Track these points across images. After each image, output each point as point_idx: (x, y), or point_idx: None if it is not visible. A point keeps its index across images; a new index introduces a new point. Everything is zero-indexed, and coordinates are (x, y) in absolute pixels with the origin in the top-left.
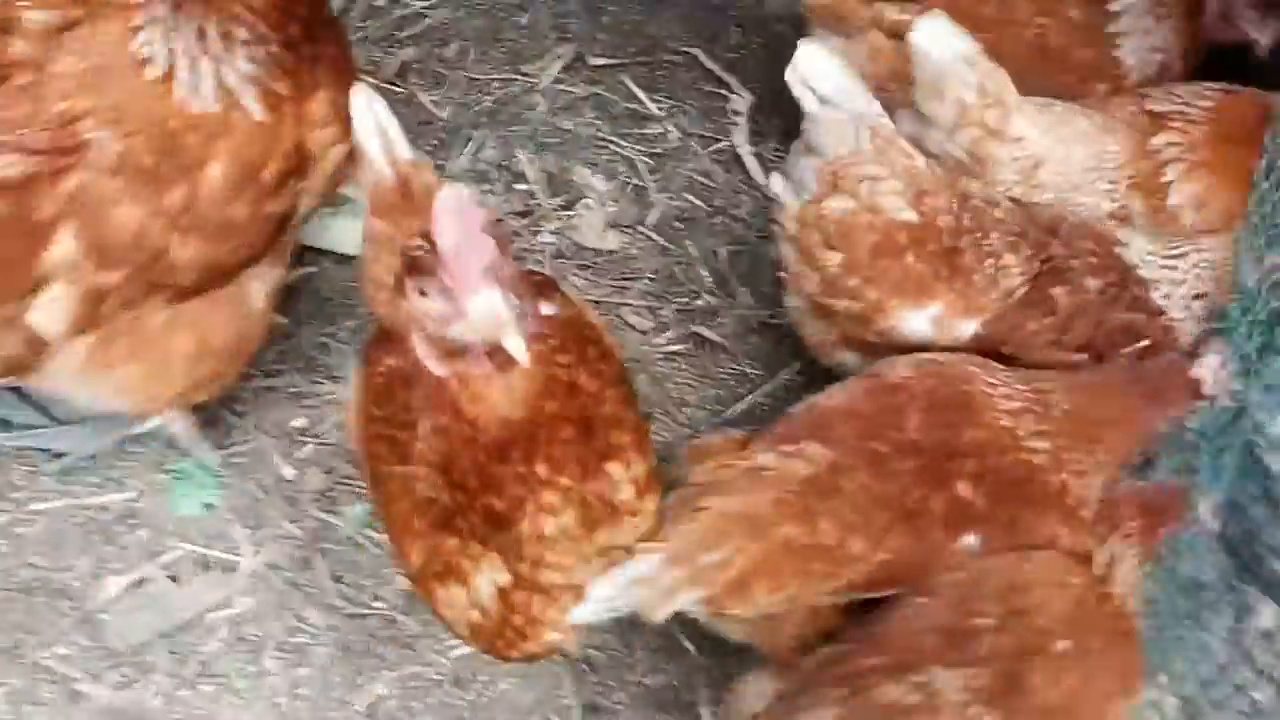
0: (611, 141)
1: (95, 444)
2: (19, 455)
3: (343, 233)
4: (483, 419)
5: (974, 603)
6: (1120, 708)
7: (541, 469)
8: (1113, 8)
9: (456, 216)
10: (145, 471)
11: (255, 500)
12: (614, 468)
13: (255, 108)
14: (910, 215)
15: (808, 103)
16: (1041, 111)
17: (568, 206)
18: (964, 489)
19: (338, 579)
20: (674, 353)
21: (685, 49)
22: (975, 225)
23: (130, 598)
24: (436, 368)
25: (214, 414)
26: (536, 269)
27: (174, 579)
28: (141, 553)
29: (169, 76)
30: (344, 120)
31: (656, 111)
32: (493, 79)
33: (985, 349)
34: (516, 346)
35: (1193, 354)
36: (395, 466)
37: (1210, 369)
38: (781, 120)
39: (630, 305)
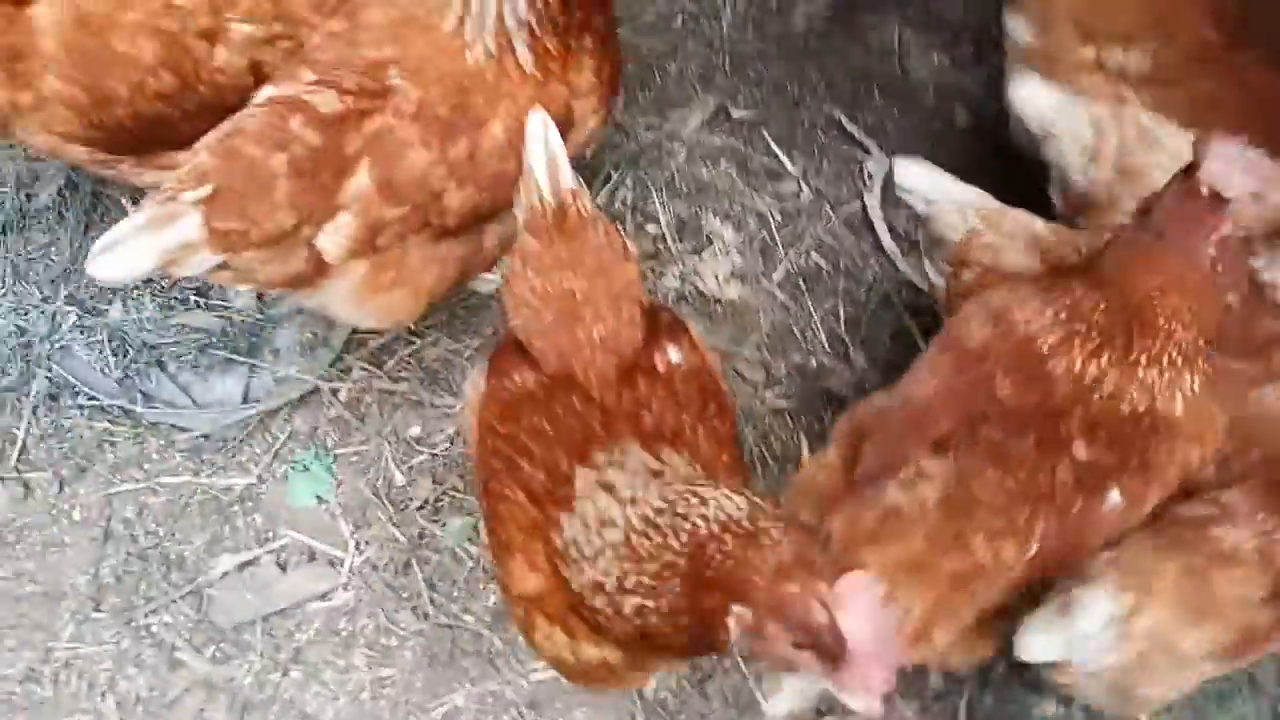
0: (744, 194)
1: (230, 431)
2: (155, 429)
3: None
4: None
5: None
6: None
7: None
8: None
9: (868, 613)
10: (267, 460)
11: (365, 501)
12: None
13: (526, 57)
14: (1025, 266)
15: (917, 206)
16: None
17: (695, 252)
18: (1081, 449)
19: (432, 587)
20: (782, 409)
21: (826, 109)
22: None
23: (238, 578)
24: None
25: (336, 413)
26: (667, 307)
27: (281, 566)
28: (254, 536)
29: (461, 24)
30: (603, 94)
31: (792, 169)
32: (638, 122)
33: None
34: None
35: (1190, 168)
36: (511, 491)
37: (1218, 168)
38: None
39: (744, 357)
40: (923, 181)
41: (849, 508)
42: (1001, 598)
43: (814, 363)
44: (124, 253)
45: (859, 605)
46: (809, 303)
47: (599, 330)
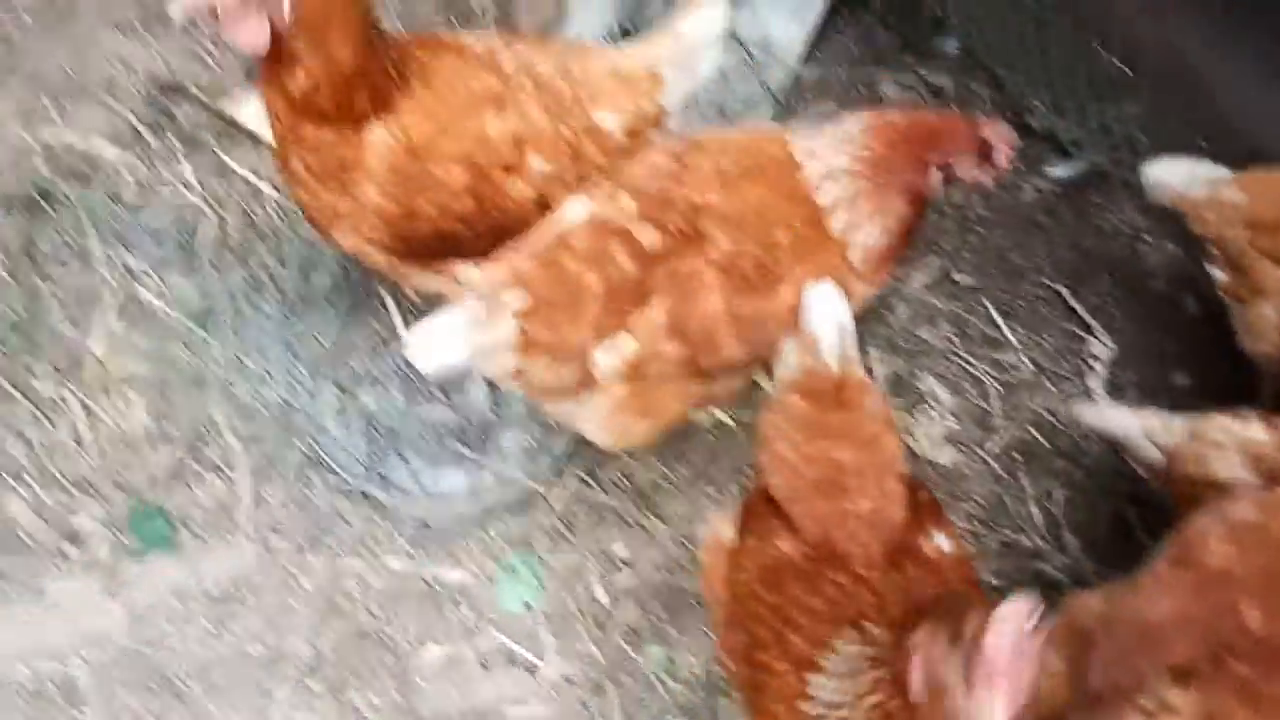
0: (963, 359)
1: (450, 524)
2: (386, 512)
3: None
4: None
5: None
6: None
7: None
8: None
9: (1013, 635)
10: (482, 558)
11: (568, 613)
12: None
13: (858, 257)
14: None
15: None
16: None
17: (908, 411)
18: None
19: (627, 714)
20: (991, 586)
21: (1050, 284)
22: None
23: (443, 670)
24: (914, 681)
25: (549, 521)
26: (923, 483)
27: (484, 665)
28: (462, 631)
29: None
30: (884, 277)
31: (1012, 339)
32: None
33: None
34: None
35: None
36: (779, 664)
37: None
38: (1141, 377)
39: (955, 525)
40: (1101, 419)
41: None
42: None
43: (1026, 541)
44: (443, 343)
45: (1003, 626)
46: (1024, 479)
47: (864, 504)
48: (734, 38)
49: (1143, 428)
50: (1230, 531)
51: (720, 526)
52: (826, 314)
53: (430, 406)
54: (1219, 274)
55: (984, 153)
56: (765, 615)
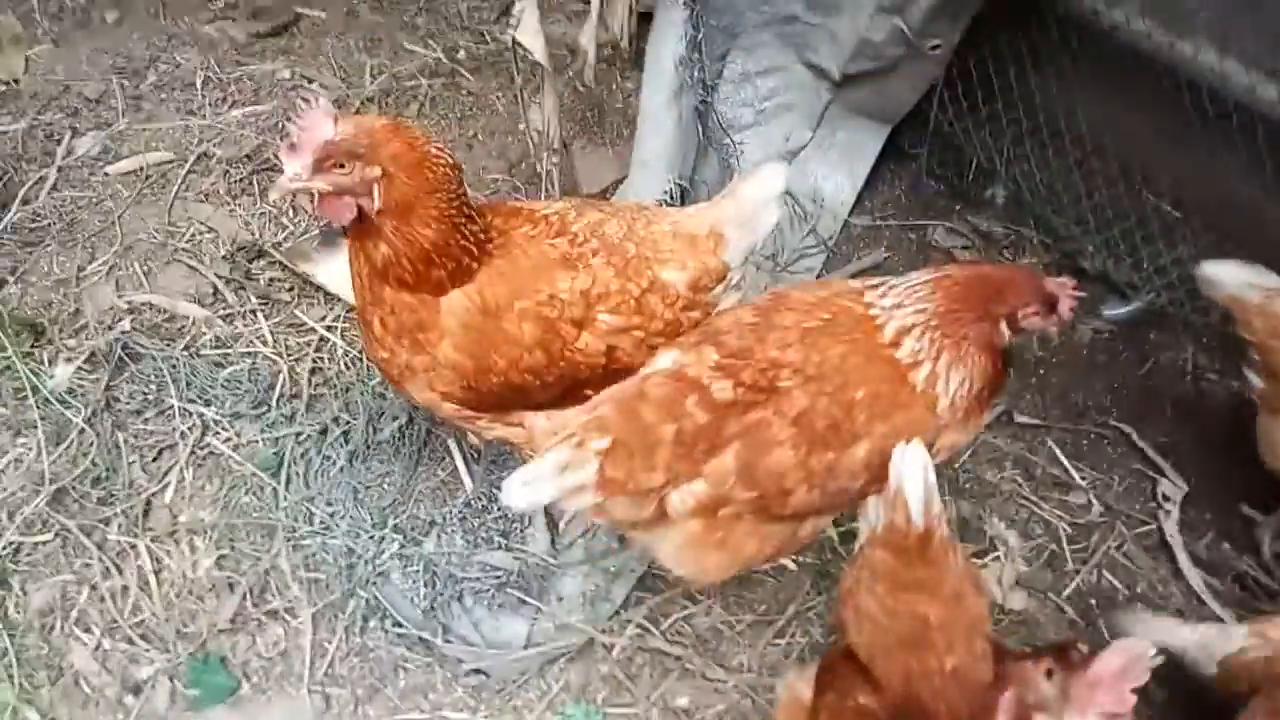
0: (1031, 502)
1: (509, 673)
2: (446, 660)
3: None
4: None
5: None
6: None
7: None
8: None
9: (1123, 663)
10: (541, 709)
11: None
12: None
13: (946, 410)
14: None
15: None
16: None
17: (978, 556)
18: None
19: None
20: None
21: (1114, 423)
22: None
23: None
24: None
25: (609, 670)
26: (1008, 650)
27: None
28: None
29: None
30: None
31: (1080, 481)
32: None
33: None
34: None
35: None
36: None
37: None
38: (1215, 515)
39: None
40: (1154, 630)
41: None
42: None
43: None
44: (537, 486)
45: (1117, 661)
46: (1101, 625)
47: (951, 661)
48: (786, 192)
49: (1201, 638)
50: None
51: (797, 685)
52: (913, 471)
53: (491, 553)
54: (1256, 380)
55: (1049, 303)
56: None
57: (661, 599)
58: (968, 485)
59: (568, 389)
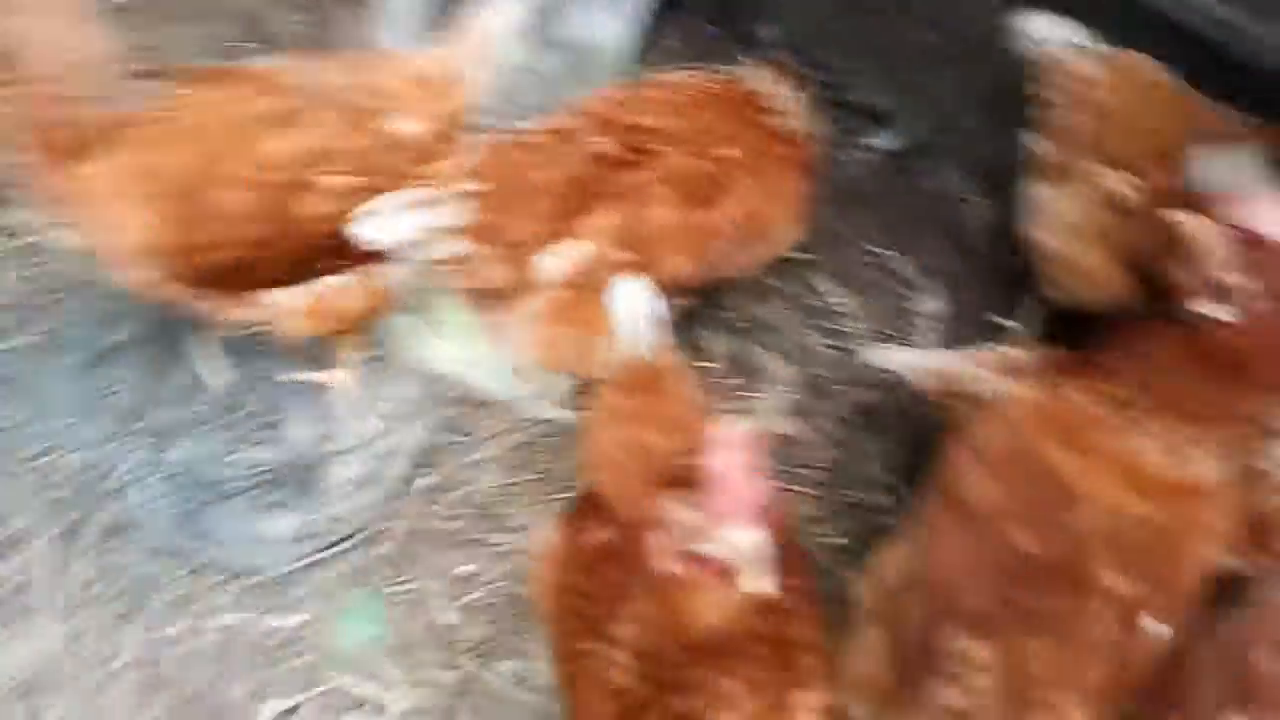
0: (798, 332)
1: (279, 565)
2: (208, 568)
3: (429, 350)
4: (690, 620)
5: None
6: None
7: (727, 684)
8: None
9: (740, 453)
10: (318, 601)
11: (413, 643)
12: (800, 696)
13: None
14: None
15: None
16: None
17: (747, 388)
18: (1114, 582)
19: None
20: (838, 545)
21: (878, 251)
22: None
23: None
24: (667, 563)
25: (387, 552)
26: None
27: (329, 713)
28: (300, 681)
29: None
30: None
31: (846, 308)
32: None
33: None
34: (764, 583)
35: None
36: (590, 644)
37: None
38: (977, 333)
39: (796, 492)
40: (891, 360)
41: (913, 709)
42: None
43: (871, 499)
44: (392, 219)
45: (727, 448)
46: (864, 440)
47: None
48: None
49: (932, 365)
50: (982, 463)
51: (548, 531)
52: (633, 304)
53: (250, 450)
54: (1044, 144)
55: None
56: (579, 605)
57: (439, 476)
58: (739, 323)
59: (302, 260)
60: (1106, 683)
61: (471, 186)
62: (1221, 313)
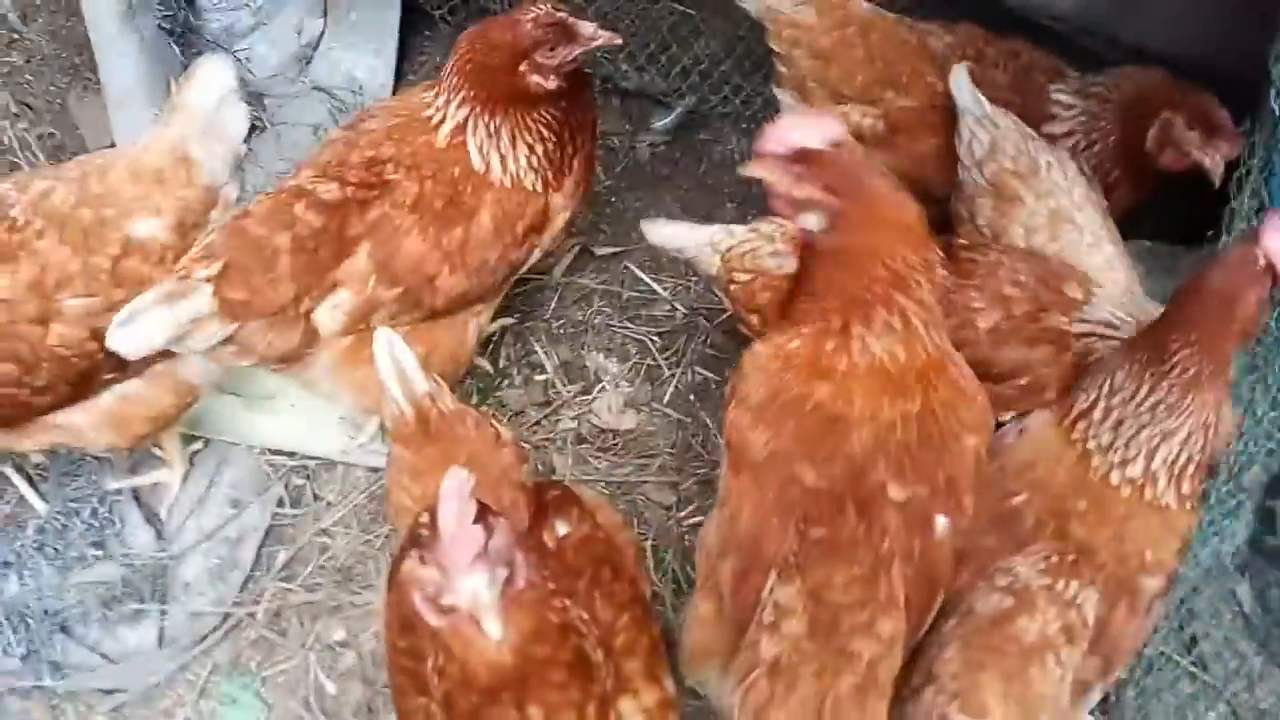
0: (622, 326)
1: (146, 678)
2: (73, 697)
3: (256, 427)
4: (471, 664)
5: (1007, 485)
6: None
7: (535, 712)
8: (1048, 129)
9: (456, 502)
10: (194, 700)
11: (298, 718)
12: (624, 703)
13: (535, 185)
14: (789, 266)
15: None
16: None
17: (585, 392)
18: (896, 492)
19: None
20: (698, 525)
21: None
22: None
23: None
24: (431, 618)
25: (255, 636)
26: (555, 483)
27: None
28: None
29: (459, 134)
30: (579, 195)
31: (662, 292)
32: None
33: None
34: (492, 628)
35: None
36: (418, 700)
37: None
38: None
39: (651, 482)
40: (667, 235)
41: (738, 668)
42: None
43: (719, 473)
44: (141, 325)
45: (445, 499)
46: (704, 415)
47: None
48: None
49: (708, 238)
50: (753, 415)
51: (385, 600)
52: (384, 361)
53: (89, 569)
54: (788, 100)
55: (568, 35)
56: (402, 660)
57: (295, 549)
58: (561, 329)
59: (80, 381)
60: (913, 590)
61: (211, 269)
62: (810, 223)
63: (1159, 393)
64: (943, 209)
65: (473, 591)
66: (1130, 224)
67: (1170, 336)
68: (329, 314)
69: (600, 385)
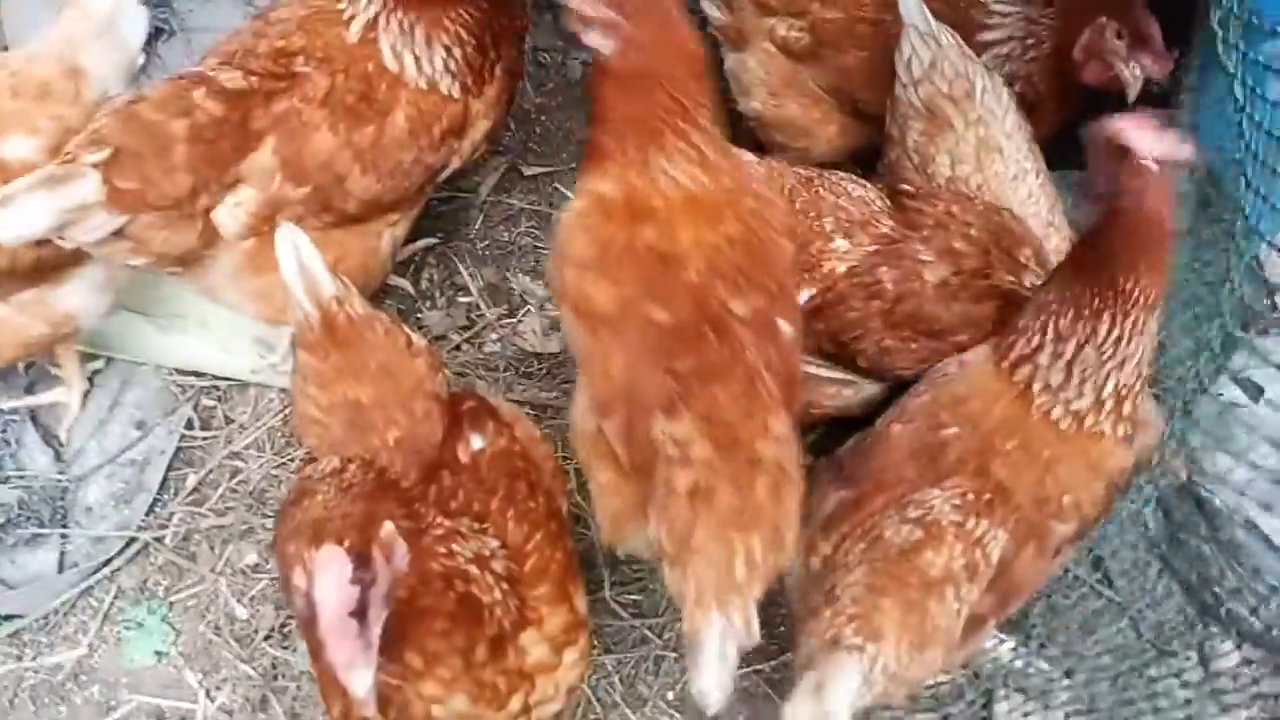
0: (549, 248)
1: (46, 603)
2: None
3: (163, 348)
4: None
5: (938, 416)
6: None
7: (414, 660)
8: (981, 37)
9: (335, 582)
10: (97, 626)
11: (209, 644)
12: (525, 636)
13: (451, 89)
14: None
15: None
16: None
17: (510, 315)
18: (740, 308)
19: (295, 716)
20: None
21: None
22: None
23: None
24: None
25: (162, 562)
26: (471, 393)
27: None
28: (94, 710)
29: (370, 30)
30: (501, 104)
31: None
32: (431, 198)
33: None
34: (367, 710)
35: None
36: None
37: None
38: None
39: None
40: None
41: (657, 507)
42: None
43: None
44: (21, 208)
45: (320, 578)
46: None
47: (393, 434)
48: None
49: None
50: (592, 272)
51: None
52: (288, 260)
53: None
54: (715, 12)
55: None
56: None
57: (204, 472)
58: (487, 250)
59: None
60: (784, 391)
61: (99, 154)
62: (597, 43)
63: (1118, 328)
64: (875, 128)
65: (353, 685)
66: (1060, 151)
67: (1119, 274)
68: (230, 213)
69: (525, 308)
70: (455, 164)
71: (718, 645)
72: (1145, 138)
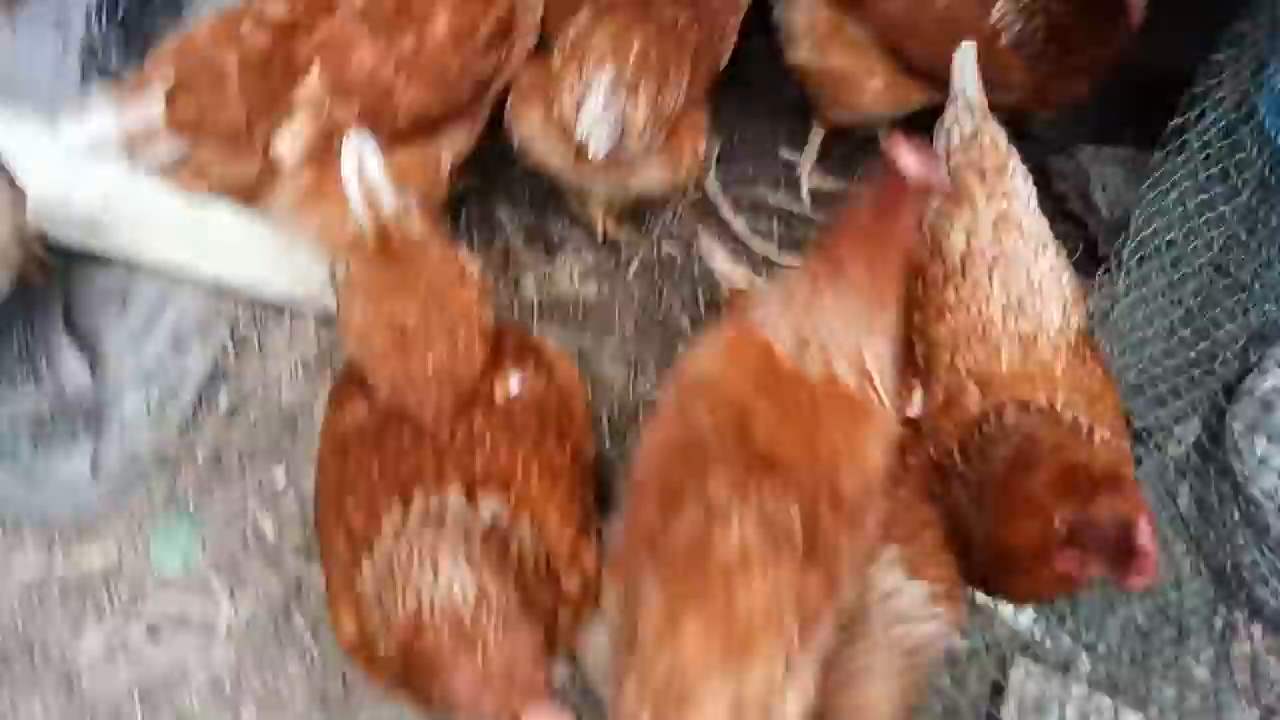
0: None
1: (77, 509)
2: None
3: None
4: None
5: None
6: None
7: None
8: None
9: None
10: (127, 530)
11: (235, 556)
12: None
13: None
14: None
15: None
16: None
17: (547, 258)
18: None
19: (317, 630)
20: (653, 400)
21: None
22: None
23: (107, 655)
24: None
25: (192, 478)
26: (517, 328)
27: (153, 636)
28: (121, 612)
29: None
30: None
31: None
32: None
33: None
34: None
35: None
36: (339, 541)
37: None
38: (750, 163)
39: (610, 353)
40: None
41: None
42: None
43: (680, 349)
44: (94, 119)
45: None
46: (665, 291)
47: (433, 360)
48: None
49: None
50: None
51: (322, 420)
52: (350, 170)
53: (16, 399)
54: None
55: None
56: (329, 488)
57: (239, 393)
58: (524, 193)
59: None
60: None
61: (164, 82)
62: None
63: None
64: (928, 85)
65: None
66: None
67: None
68: (287, 144)
69: (562, 252)
70: (507, 75)
71: None
72: (912, 158)
